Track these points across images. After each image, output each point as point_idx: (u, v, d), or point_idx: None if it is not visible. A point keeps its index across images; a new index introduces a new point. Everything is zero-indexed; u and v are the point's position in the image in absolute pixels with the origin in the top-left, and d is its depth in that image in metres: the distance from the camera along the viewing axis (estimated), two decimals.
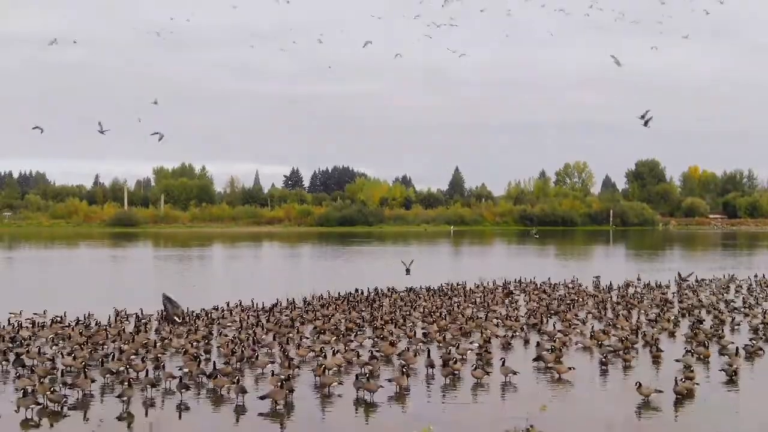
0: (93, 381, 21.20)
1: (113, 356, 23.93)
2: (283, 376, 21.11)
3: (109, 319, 31.90)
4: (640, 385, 20.37)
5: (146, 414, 19.26)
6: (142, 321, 31.81)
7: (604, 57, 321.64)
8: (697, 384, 20.97)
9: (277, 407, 19.54)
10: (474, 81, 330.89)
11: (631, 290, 43.20)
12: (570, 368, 22.93)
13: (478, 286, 44.41)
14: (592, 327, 29.88)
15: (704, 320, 32.24)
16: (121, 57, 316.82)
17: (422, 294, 40.50)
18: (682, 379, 20.76)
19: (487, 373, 22.59)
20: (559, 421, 18.38)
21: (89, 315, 32.30)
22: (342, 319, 31.93)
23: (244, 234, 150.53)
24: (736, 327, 31.40)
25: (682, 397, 20.11)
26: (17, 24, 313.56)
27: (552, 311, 34.52)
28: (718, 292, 42.49)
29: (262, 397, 19.93)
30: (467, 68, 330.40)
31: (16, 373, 22.56)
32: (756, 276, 50.38)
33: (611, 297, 39.80)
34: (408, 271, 46.75)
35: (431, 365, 23.39)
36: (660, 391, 20.29)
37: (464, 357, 24.19)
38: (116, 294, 42.84)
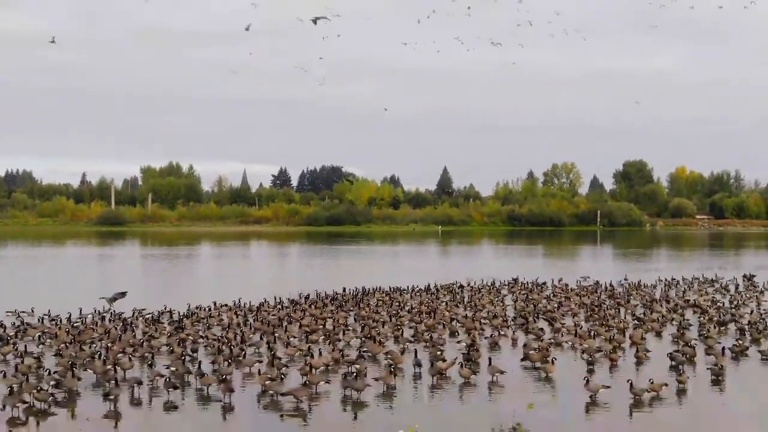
0: (80, 379, 21.16)
1: (100, 355, 23.89)
2: (270, 375, 21.14)
3: (93, 318, 31.81)
4: (588, 381, 20.62)
5: (133, 413, 19.24)
6: (129, 320, 31.69)
7: (593, 59, 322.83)
8: (666, 385, 20.84)
9: (299, 404, 19.66)
10: (463, 82, 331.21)
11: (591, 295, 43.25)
12: (553, 359, 23.12)
13: (468, 285, 44.51)
14: (579, 326, 29.97)
15: (691, 323, 32.38)
16: (108, 57, 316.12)
17: (410, 293, 40.59)
18: (651, 381, 20.84)
19: (475, 373, 22.66)
20: (546, 420, 18.45)
21: (56, 315, 32.16)
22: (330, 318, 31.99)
23: (231, 233, 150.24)
24: (722, 327, 31.51)
25: (638, 398, 20.12)
26: (4, 24, 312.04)
27: (539, 311, 34.60)
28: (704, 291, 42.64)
29: (284, 394, 20.02)
30: (456, 69, 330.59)
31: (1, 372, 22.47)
32: (745, 276, 50.49)
33: (598, 296, 39.91)
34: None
35: (418, 364, 23.44)
36: (608, 387, 20.58)
37: (442, 355, 24.18)
38: (102, 293, 42.63)
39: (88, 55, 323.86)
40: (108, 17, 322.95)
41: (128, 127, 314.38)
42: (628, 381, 20.79)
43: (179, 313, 32.99)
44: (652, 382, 20.71)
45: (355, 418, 18.97)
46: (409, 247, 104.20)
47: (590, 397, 20.25)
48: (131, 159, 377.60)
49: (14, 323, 30.85)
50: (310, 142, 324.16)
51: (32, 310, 33.59)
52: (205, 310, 33.95)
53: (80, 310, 33.25)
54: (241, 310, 34.26)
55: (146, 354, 24.74)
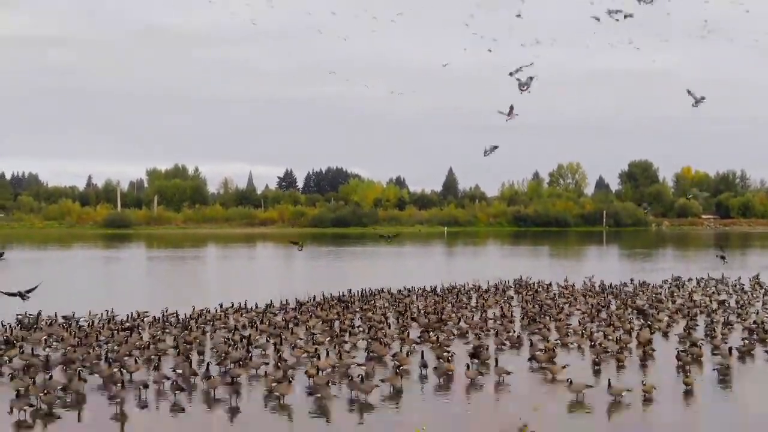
0: (86, 382, 21.20)
1: (106, 358, 23.93)
2: (276, 377, 21.18)
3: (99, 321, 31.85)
4: (571, 382, 20.67)
5: (140, 415, 19.27)
6: (136, 322, 31.72)
7: (597, 58, 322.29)
8: (655, 389, 20.66)
9: (324, 402, 19.84)
10: (467, 82, 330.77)
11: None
12: (564, 366, 23.00)
13: (475, 286, 44.45)
14: (585, 327, 29.94)
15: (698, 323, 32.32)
16: (112, 57, 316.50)
17: (416, 294, 40.60)
18: (643, 383, 20.78)
19: (481, 374, 22.64)
20: (552, 421, 18.43)
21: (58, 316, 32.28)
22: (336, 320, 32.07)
23: (237, 235, 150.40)
24: (729, 327, 31.39)
25: (615, 399, 20.09)
26: (6, 25, 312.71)
27: (545, 312, 34.57)
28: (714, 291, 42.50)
29: (310, 393, 20.18)
30: (460, 69, 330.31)
31: (8, 375, 22.52)
32: (757, 276, 50.13)
33: (604, 297, 39.85)
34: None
35: (424, 366, 23.43)
36: (590, 386, 20.60)
37: (450, 357, 24.22)
38: (108, 295, 42.74)
39: (91, 56, 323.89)
40: (110, 18, 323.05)
41: (133, 129, 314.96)
42: (608, 380, 20.83)
43: (185, 314, 33.00)
44: (644, 384, 20.64)
45: (362, 419, 18.98)
46: (414, 249, 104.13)
47: (575, 397, 20.31)
48: (137, 161, 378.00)
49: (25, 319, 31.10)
50: (315, 143, 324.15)
51: (39, 313, 33.58)
52: (204, 312, 33.99)
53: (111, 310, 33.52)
54: (248, 313, 34.28)
55: (152, 356, 24.78)
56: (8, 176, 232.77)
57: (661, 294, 41.49)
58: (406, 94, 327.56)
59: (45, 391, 19.64)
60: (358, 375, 21.78)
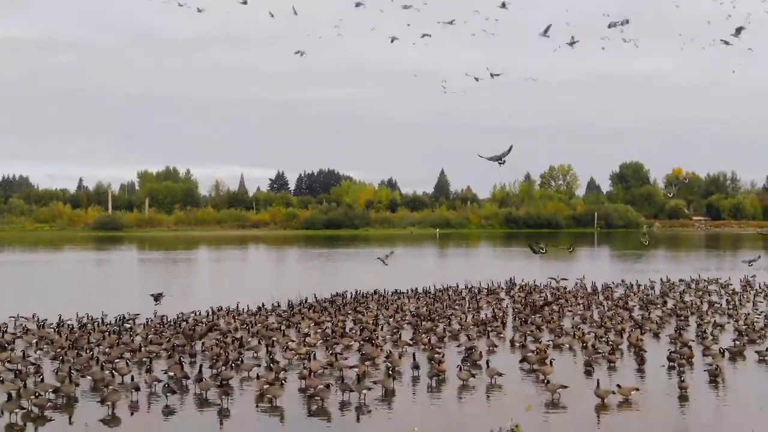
0: (77, 385, 21.14)
1: (97, 360, 23.87)
2: (268, 379, 21.18)
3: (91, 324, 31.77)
4: (548, 381, 20.93)
5: (132, 418, 19.24)
6: (127, 324, 31.66)
7: (589, 60, 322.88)
8: (637, 390, 20.71)
9: (316, 404, 19.90)
10: (460, 84, 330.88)
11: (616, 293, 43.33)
12: (551, 361, 23.16)
13: (467, 288, 44.49)
14: (578, 328, 30.00)
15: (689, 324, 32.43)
16: (104, 60, 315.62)
17: (408, 296, 40.61)
18: (618, 386, 20.78)
19: (473, 375, 22.68)
20: (544, 421, 18.48)
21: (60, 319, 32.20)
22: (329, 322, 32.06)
23: (229, 237, 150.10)
24: (720, 328, 31.48)
25: (602, 401, 20.11)
26: (2, 28, 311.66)
27: (537, 313, 34.64)
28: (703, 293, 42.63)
29: (311, 396, 20.24)
30: (453, 71, 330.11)
31: None
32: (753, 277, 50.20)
33: (596, 298, 39.95)
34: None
35: (416, 367, 23.46)
36: (565, 387, 20.66)
37: (442, 359, 24.27)
38: (99, 298, 42.58)
39: (86, 59, 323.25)
40: (105, 20, 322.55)
41: (125, 131, 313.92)
42: (597, 381, 20.88)
43: (177, 316, 32.94)
44: (620, 387, 20.65)
45: (354, 421, 18.99)
46: (406, 250, 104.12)
47: (551, 396, 20.42)
48: (128, 163, 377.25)
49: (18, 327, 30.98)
50: (307, 145, 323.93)
51: (33, 316, 33.49)
52: (196, 314, 33.94)
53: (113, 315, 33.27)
54: (240, 315, 34.23)
55: (144, 359, 24.74)
56: None
57: (651, 295, 41.62)
58: (401, 96, 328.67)
59: (36, 394, 19.57)
60: (351, 377, 21.80)
